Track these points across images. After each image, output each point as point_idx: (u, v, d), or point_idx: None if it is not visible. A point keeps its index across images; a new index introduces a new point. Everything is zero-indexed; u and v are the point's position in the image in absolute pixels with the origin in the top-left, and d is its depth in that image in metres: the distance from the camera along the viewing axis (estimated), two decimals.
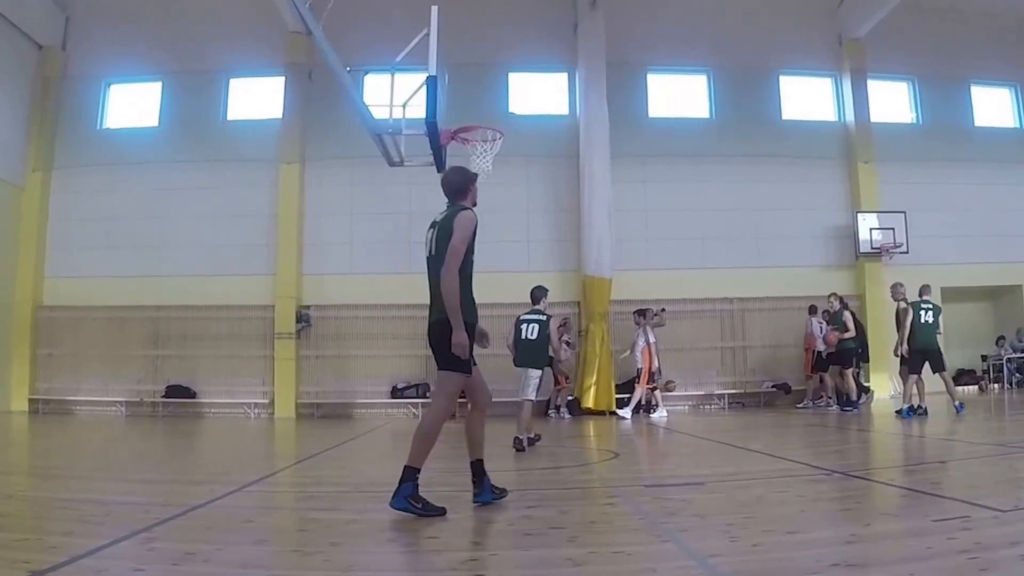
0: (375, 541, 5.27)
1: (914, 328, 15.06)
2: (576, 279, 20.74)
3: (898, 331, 15.49)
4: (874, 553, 4.63)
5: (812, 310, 20.11)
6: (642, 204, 21.51)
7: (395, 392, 20.30)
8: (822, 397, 19.58)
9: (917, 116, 23.59)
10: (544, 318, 12.20)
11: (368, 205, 20.93)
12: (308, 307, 20.67)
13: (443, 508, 5.94)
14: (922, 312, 15.10)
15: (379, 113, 11.51)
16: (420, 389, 20.23)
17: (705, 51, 22.74)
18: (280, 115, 21.33)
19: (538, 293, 12.40)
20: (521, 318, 12.33)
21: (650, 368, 17.90)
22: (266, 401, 20.17)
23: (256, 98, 21.97)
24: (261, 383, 20.50)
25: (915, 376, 15.00)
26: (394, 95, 11.36)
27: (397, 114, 11.31)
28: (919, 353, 15.00)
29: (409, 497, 5.85)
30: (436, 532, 5.45)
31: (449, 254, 5.89)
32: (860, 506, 6.37)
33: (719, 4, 22.70)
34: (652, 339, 18.01)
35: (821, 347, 19.33)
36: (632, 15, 22.04)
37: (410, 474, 5.96)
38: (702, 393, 21.09)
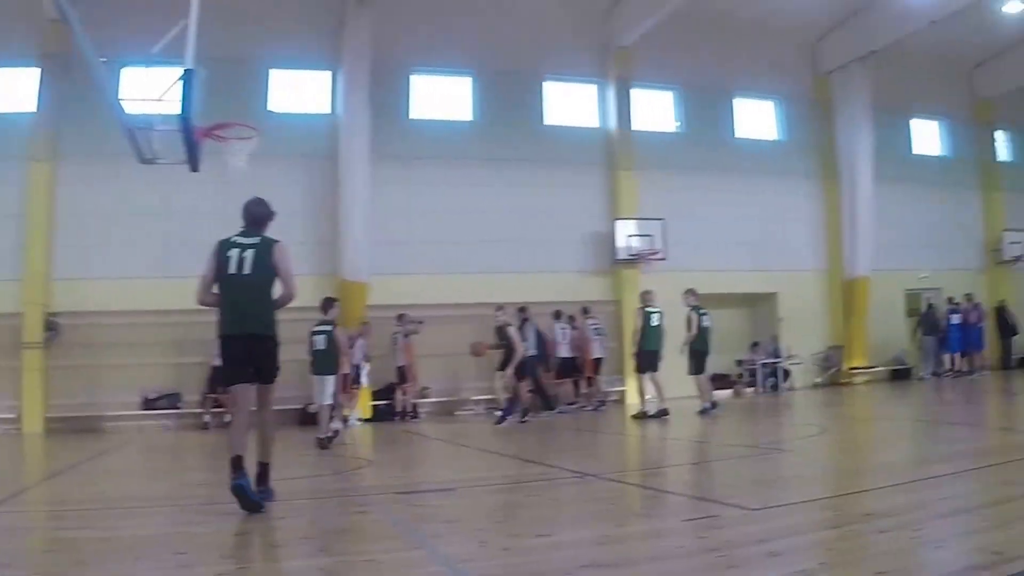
0: (125, 559, 5.61)
1: (645, 331, 18.31)
2: (333, 283, 21.57)
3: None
4: (625, 553, 5.30)
5: (556, 315, 22.51)
6: (403, 207, 23.31)
7: (147, 403, 21.05)
8: (575, 402, 22.31)
9: (680, 125, 26.94)
10: (332, 328, 14.79)
11: (123, 205, 21.23)
12: (57, 314, 20.80)
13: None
14: (652, 316, 18.45)
15: (135, 107, 12.18)
16: (172, 400, 21.21)
17: (470, 54, 24.93)
18: (33, 108, 21.34)
19: (327, 304, 15.16)
20: (312, 329, 14.78)
21: (355, 377, 19.80)
22: (13, 416, 20.24)
23: (8, 90, 21.95)
24: (7, 397, 20.44)
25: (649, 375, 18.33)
26: (149, 89, 11.84)
27: (152, 109, 11.87)
28: (652, 354, 18.29)
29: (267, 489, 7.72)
30: (185, 547, 5.90)
31: (291, 285, 7.93)
32: (613, 508, 7.20)
33: (487, 7, 24.81)
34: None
35: (564, 353, 22.04)
36: (398, 15, 23.62)
37: (268, 468, 7.83)
38: (457, 399, 23.31)
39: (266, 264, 7.78)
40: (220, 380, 16.37)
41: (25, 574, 5.34)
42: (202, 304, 8.08)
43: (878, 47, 26.41)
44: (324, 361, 14.74)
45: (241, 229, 8.07)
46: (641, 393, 18.52)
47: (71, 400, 20.69)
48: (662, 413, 17.64)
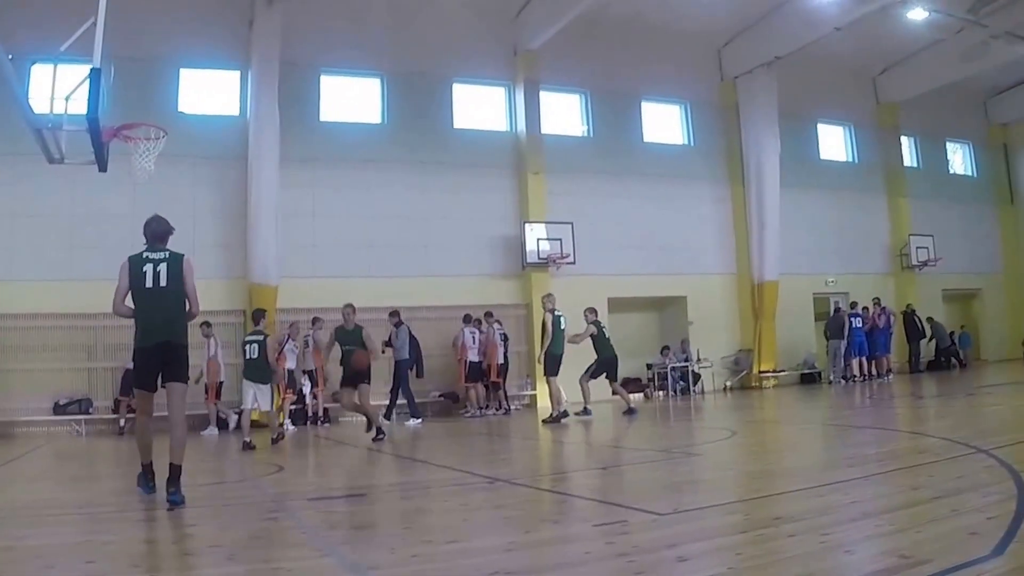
0: (33, 568, 5.69)
1: (554, 335, 19.64)
2: (243, 286, 22.90)
3: (543, 338, 20.05)
4: (534, 559, 5.45)
5: (466, 319, 23.83)
6: (311, 210, 24.44)
7: (57, 408, 21.32)
8: (488, 405, 23.66)
9: (588, 129, 28.71)
10: (262, 338, 16.36)
11: (31, 206, 21.50)
12: None
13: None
14: (561, 319, 19.87)
15: (42, 107, 12.06)
16: (83, 405, 21.57)
17: (380, 55, 26.13)
18: None
19: (257, 315, 17.02)
20: (244, 339, 16.67)
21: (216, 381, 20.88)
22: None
23: None
24: None
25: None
26: (57, 87, 11.91)
27: (60, 108, 11.82)
28: (558, 357, 19.58)
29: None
30: (94, 556, 6.04)
31: (195, 300, 9.01)
32: (522, 513, 7.39)
33: (396, 9, 26.11)
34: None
35: (473, 357, 23.39)
36: (308, 14, 24.72)
37: (179, 470, 8.46)
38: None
39: (179, 276, 8.87)
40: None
41: None
42: (118, 315, 9.07)
43: (783, 53, 28.35)
44: (256, 369, 16.27)
45: (146, 245, 9.01)
46: (551, 397, 19.35)
47: None
48: (563, 416, 18.87)
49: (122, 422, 21.15)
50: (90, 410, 21.74)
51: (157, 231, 9.06)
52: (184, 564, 5.91)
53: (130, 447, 12.11)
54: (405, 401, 21.66)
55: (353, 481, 10.95)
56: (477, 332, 23.55)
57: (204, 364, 20.39)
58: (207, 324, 20.15)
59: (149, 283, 8.75)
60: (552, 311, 19.67)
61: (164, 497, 8.24)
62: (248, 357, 16.34)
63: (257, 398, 16.25)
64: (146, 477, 9.03)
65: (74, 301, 21.12)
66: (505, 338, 23.93)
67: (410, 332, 22.07)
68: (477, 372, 23.47)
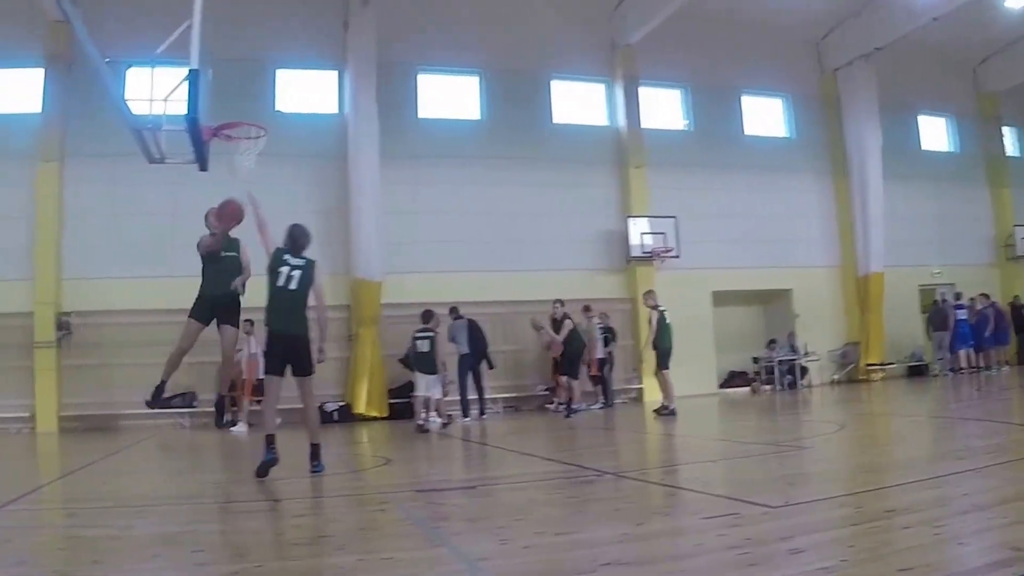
0: (139, 557, 5.61)
1: (660, 330, 18.79)
2: (346, 282, 22.35)
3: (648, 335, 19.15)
4: (646, 551, 5.22)
5: (586, 309, 22.66)
6: (413, 206, 23.64)
7: (164, 403, 21.12)
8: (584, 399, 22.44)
9: (689, 123, 27.47)
10: (433, 334, 17.64)
11: (131, 205, 21.57)
12: (69, 314, 21.15)
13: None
14: (665, 314, 18.96)
15: (140, 108, 11.85)
16: (187, 398, 21.29)
17: (477, 53, 25.38)
18: (39, 109, 21.61)
19: (427, 315, 18.10)
20: (415, 335, 17.79)
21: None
22: (27, 415, 20.54)
23: (13, 91, 22.38)
24: (20, 396, 20.64)
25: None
26: (155, 89, 11.72)
27: (159, 109, 11.64)
28: (667, 352, 18.79)
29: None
30: (202, 545, 5.95)
31: (325, 299, 10.42)
32: (632, 506, 7.11)
33: (492, 6, 25.32)
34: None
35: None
36: (403, 14, 24.11)
37: (318, 448, 9.97)
38: (473, 397, 22.93)
39: (310, 281, 10.05)
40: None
41: (40, 572, 5.39)
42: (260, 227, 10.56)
43: (881, 44, 26.91)
44: (427, 362, 17.58)
45: (287, 246, 10.20)
46: (664, 390, 18.75)
47: (84, 399, 20.93)
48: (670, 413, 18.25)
49: (228, 416, 20.69)
50: (194, 403, 21.53)
51: (300, 241, 10.28)
52: (292, 554, 5.76)
53: (233, 439, 13.91)
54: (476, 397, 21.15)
55: (461, 473, 10.81)
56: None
57: (243, 361, 19.78)
58: (250, 322, 19.35)
59: (282, 283, 9.96)
60: (655, 307, 19.06)
61: (262, 487, 8.86)
62: (419, 351, 17.66)
63: (429, 387, 17.50)
64: (268, 445, 9.62)
65: (177, 297, 19.18)
66: (606, 331, 22.85)
67: (474, 326, 20.95)
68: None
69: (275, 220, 21.18)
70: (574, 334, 20.78)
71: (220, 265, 11.56)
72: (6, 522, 7.23)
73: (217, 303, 11.60)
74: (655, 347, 18.77)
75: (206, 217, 11.94)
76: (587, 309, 22.66)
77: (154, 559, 5.55)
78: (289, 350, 9.90)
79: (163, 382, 11.09)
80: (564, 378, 21.30)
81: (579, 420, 18.92)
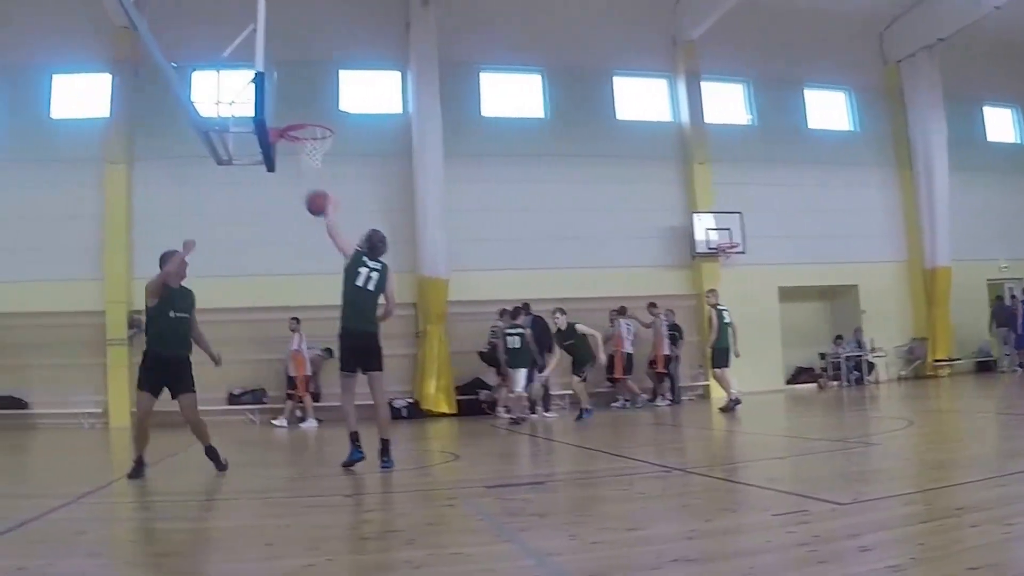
0: (213, 550, 5.78)
1: (720, 329, 18.79)
2: (412, 280, 22.10)
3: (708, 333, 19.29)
4: (714, 548, 5.22)
5: (621, 311, 22.40)
6: (478, 204, 23.34)
7: (232, 398, 21.40)
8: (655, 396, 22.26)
9: (752, 118, 26.91)
10: (523, 330, 18.60)
11: (199, 205, 21.52)
12: (139, 312, 20.64)
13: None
14: (724, 314, 18.96)
15: (207, 111, 12.37)
16: (257, 395, 21.59)
17: (539, 51, 25.10)
18: (107, 114, 21.99)
19: (516, 311, 19.04)
20: (506, 332, 18.76)
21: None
22: (100, 410, 20.86)
23: (82, 95, 22.79)
24: (94, 392, 21.05)
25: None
26: (221, 92, 12.27)
27: (225, 111, 12.18)
28: (725, 351, 18.74)
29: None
30: (272, 539, 6.00)
31: (394, 301, 10.43)
32: (700, 502, 7.03)
33: (553, 4, 25.05)
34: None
35: (628, 348, 22.04)
36: (464, 14, 23.94)
37: (388, 443, 9.89)
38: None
39: (383, 284, 10.31)
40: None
41: (115, 563, 5.43)
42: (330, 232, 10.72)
43: (944, 35, 26.06)
44: (520, 356, 18.35)
45: (365, 249, 10.43)
46: (724, 387, 18.75)
47: None
48: (737, 403, 18.02)
49: (298, 413, 20.64)
50: (263, 400, 21.72)
51: (379, 247, 10.48)
52: (362, 548, 5.79)
53: (302, 435, 14.21)
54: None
55: (529, 469, 10.72)
56: (632, 324, 22.35)
57: (288, 357, 20.34)
58: (295, 319, 20.34)
59: (360, 283, 10.21)
60: (715, 306, 19.10)
61: (331, 483, 9.21)
62: (511, 347, 18.43)
63: (522, 382, 18.17)
64: (352, 443, 10.03)
65: (246, 296, 21.44)
66: (673, 328, 22.46)
67: (539, 324, 20.37)
68: (630, 364, 22.17)
69: (343, 218, 21.42)
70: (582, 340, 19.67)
71: (170, 320, 10.72)
72: (81, 514, 7.32)
73: (168, 365, 10.66)
74: (712, 346, 18.79)
75: (162, 260, 11.04)
76: (652, 306, 22.37)
77: (226, 552, 5.67)
78: (361, 347, 10.22)
79: (139, 457, 10.12)
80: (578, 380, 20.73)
81: (644, 416, 18.98)
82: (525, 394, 18.36)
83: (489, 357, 21.05)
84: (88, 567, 5.22)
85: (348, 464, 9.87)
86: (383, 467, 9.61)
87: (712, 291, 19.72)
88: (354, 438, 9.94)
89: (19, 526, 6.43)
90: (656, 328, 22.10)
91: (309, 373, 20.31)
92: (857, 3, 26.43)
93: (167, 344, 10.57)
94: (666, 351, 22.08)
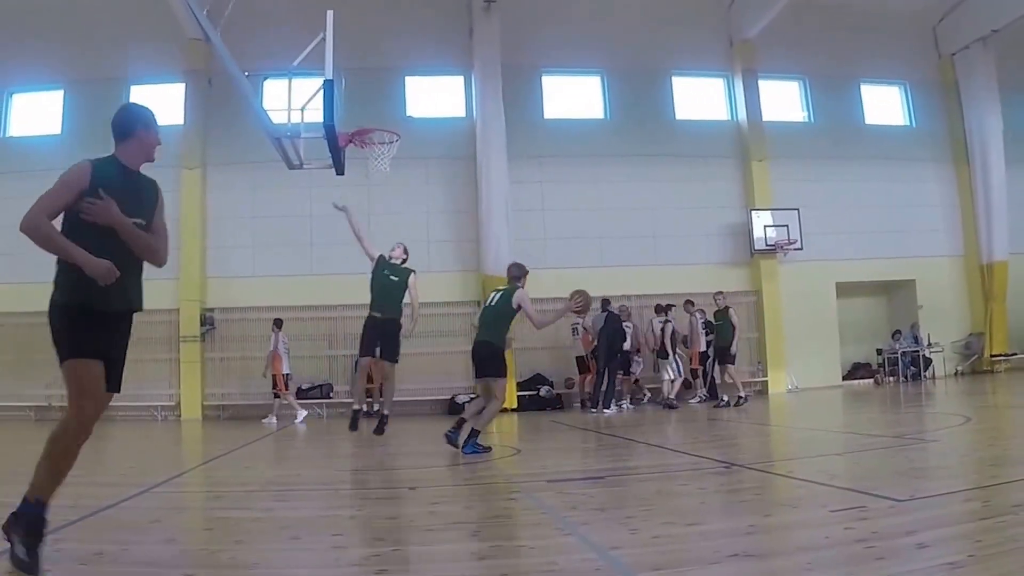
0: (280, 539, 5.64)
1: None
2: (476, 279, 22.14)
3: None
4: (773, 543, 5.12)
5: (657, 309, 21.69)
6: (540, 204, 23.17)
7: (300, 393, 21.08)
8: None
9: (808, 115, 26.07)
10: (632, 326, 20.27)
11: (270, 208, 22.09)
12: (212, 310, 21.81)
13: (490, 447, 10.83)
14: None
15: (278, 117, 12.45)
16: (324, 390, 21.63)
17: (598, 53, 24.74)
18: (181, 121, 22.29)
19: (659, 308, 20.75)
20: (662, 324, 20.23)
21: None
22: (172, 403, 21.18)
23: (157, 105, 22.58)
24: (167, 386, 21.50)
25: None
26: (292, 99, 12.23)
27: (296, 118, 12.15)
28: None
29: (476, 442, 10.50)
30: (340, 529, 6.04)
31: (533, 317, 11.02)
32: (759, 498, 6.91)
33: (610, 7, 24.51)
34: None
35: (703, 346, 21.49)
36: (526, 19, 23.64)
37: (477, 434, 10.62)
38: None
39: (508, 302, 11.13)
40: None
41: (187, 549, 5.45)
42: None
43: (998, 26, 25.01)
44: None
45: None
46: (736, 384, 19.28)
47: (226, 389, 21.77)
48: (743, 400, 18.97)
49: (364, 407, 20.19)
50: (330, 394, 21.78)
51: (513, 273, 11.57)
52: (427, 539, 5.66)
53: (364, 430, 13.75)
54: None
55: (590, 464, 10.39)
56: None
57: (268, 357, 19.95)
58: (278, 321, 20.16)
59: (487, 300, 11.70)
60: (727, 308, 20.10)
61: (396, 476, 9.51)
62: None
63: (669, 371, 19.74)
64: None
65: (315, 294, 21.83)
66: (707, 325, 21.51)
67: (610, 319, 20.16)
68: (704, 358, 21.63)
69: (410, 219, 21.96)
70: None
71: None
72: (155, 503, 7.36)
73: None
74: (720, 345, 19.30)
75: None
76: (690, 303, 21.69)
77: (294, 541, 5.53)
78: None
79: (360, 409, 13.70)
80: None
81: (703, 411, 18.58)
82: (681, 378, 19.91)
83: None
84: (163, 553, 5.23)
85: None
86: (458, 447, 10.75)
87: (720, 293, 20.44)
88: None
89: (96, 512, 6.52)
90: (692, 325, 21.57)
91: (285, 372, 19.84)
92: None
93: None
94: (701, 347, 21.54)
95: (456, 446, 10.66)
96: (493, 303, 11.30)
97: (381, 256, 13.13)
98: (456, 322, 21.98)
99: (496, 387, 10.95)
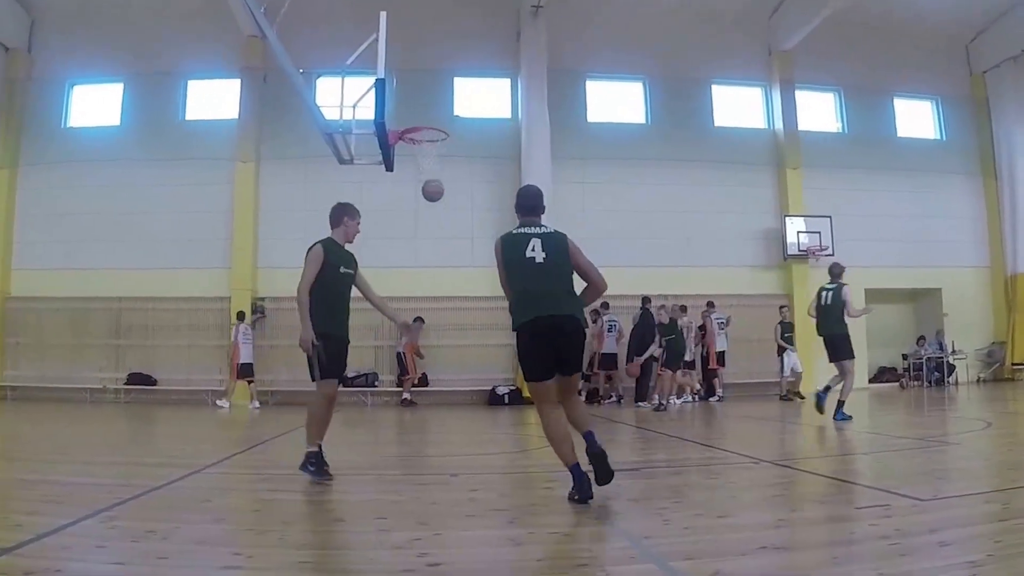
0: (326, 521, 5.80)
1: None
2: None
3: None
4: (800, 537, 5.14)
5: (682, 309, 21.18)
6: (580, 204, 22.64)
7: (346, 381, 20.57)
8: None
9: (843, 125, 25.51)
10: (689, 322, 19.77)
11: (320, 202, 20.95)
12: (263, 299, 21.54)
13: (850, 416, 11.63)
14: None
15: (330, 114, 12.30)
16: (370, 378, 21.41)
17: (641, 60, 24.31)
18: (236, 116, 22.34)
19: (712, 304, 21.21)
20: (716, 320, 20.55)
21: None
22: (222, 388, 20.72)
23: (213, 99, 23.08)
24: (218, 371, 21.31)
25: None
26: (344, 97, 12.09)
27: (347, 115, 12.05)
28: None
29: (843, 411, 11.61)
30: (384, 513, 5.96)
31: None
32: (787, 493, 6.90)
33: (655, 16, 24.06)
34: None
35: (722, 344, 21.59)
36: (572, 24, 23.40)
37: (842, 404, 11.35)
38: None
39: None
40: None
41: (236, 528, 5.51)
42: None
43: None
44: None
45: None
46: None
47: (275, 376, 21.38)
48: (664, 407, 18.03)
49: (406, 395, 20.75)
50: (376, 383, 21.64)
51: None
52: (468, 524, 5.62)
53: (412, 417, 14.05)
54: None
55: (625, 456, 9.70)
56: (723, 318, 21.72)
57: (231, 346, 20.18)
58: (241, 313, 20.36)
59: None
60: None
61: (437, 463, 9.43)
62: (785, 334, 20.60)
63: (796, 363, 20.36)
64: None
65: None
66: (724, 325, 21.57)
67: (644, 316, 20.04)
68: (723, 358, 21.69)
69: (455, 215, 21.52)
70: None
71: None
72: (206, 484, 7.42)
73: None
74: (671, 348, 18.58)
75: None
76: (710, 305, 21.69)
77: (340, 523, 5.74)
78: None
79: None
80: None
81: (729, 409, 18.40)
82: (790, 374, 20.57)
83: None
84: (213, 532, 5.28)
85: None
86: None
87: (710, 303, 21.34)
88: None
89: (148, 492, 6.57)
90: (708, 326, 21.42)
91: (241, 361, 19.87)
92: (944, 16, 24.92)
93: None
94: (719, 348, 21.39)
95: (822, 411, 13.15)
96: (827, 302, 13.56)
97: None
98: (497, 316, 20.98)
99: (848, 365, 13.37)
